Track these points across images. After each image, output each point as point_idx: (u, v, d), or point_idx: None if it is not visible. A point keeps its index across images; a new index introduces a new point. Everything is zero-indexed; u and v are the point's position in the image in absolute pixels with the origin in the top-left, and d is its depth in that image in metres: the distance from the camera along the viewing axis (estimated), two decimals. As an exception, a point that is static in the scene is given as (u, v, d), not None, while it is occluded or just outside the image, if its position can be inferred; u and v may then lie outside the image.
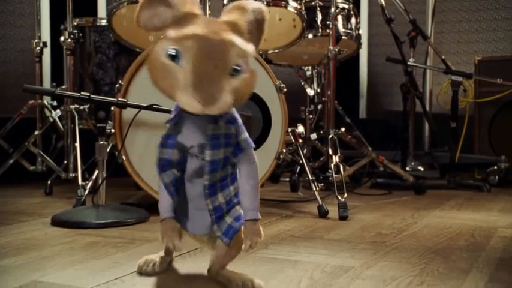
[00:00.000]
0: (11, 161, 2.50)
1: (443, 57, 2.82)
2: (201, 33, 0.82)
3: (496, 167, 2.73)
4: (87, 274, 1.15)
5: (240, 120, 0.96)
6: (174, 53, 0.82)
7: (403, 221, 1.80)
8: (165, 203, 0.98)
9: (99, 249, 1.38)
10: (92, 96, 1.73)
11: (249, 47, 0.87)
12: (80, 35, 2.44)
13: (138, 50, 2.30)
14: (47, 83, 3.30)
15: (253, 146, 0.97)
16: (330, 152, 2.14)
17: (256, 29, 0.92)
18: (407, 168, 2.81)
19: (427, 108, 3.22)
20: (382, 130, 3.64)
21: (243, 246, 0.97)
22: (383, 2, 2.68)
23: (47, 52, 3.17)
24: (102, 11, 3.51)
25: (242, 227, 0.98)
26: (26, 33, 3.40)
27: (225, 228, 0.97)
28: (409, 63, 2.66)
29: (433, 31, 3.29)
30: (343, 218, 1.81)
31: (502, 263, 1.26)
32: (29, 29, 3.34)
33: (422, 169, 2.91)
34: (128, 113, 1.82)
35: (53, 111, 2.62)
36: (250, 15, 0.91)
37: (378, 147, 2.89)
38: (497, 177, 2.72)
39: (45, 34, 3.33)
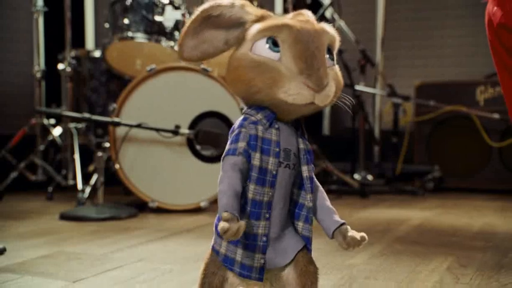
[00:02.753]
0: (17, 172, 2.91)
1: (388, 83, 3.33)
2: (292, 23, 0.73)
3: (431, 176, 3.22)
4: (97, 247, 1.59)
5: None
6: (272, 41, 0.73)
7: (340, 216, 2.25)
8: (229, 197, 0.72)
9: (102, 234, 1.81)
10: (92, 116, 2.18)
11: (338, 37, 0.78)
12: (77, 63, 2.88)
13: (127, 77, 2.75)
14: (42, 104, 3.73)
15: None
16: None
17: None
18: (358, 177, 3.28)
19: (378, 125, 3.71)
20: (342, 145, 4.12)
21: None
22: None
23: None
24: (90, 41, 3.96)
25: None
26: (22, 57, 3.84)
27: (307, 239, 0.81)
28: (356, 87, 3.14)
29: (383, 58, 3.78)
30: (293, 213, 2.26)
31: (399, 239, 1.73)
32: (25, 54, 3.78)
33: (371, 178, 3.38)
34: (120, 130, 2.27)
35: (51, 128, 3.05)
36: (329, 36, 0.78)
37: (337, 159, 3.37)
38: (432, 184, 3.21)
39: (40, 60, 3.77)
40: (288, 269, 0.79)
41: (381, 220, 2.14)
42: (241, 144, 0.76)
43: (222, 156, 0.76)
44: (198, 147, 2.30)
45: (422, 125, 3.36)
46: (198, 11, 0.78)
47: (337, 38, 0.77)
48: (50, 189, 2.79)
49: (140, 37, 2.54)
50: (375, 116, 3.69)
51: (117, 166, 2.27)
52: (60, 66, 2.91)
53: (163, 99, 2.30)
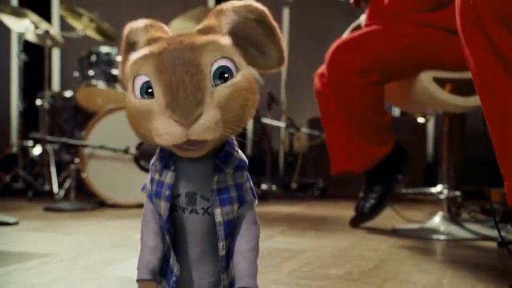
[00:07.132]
0: (4, 182, 3.85)
1: (289, 116, 4.45)
2: (154, 49, 0.62)
3: (317, 186, 4.34)
4: (75, 222, 2.60)
5: (247, 166, 0.76)
6: (145, 81, 0.63)
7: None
8: (145, 259, 0.73)
9: (76, 217, 2.81)
10: (68, 140, 3.18)
11: (227, 41, 0.65)
12: (53, 101, 3.88)
13: (90, 111, 3.75)
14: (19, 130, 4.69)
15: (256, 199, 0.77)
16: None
17: (256, 32, 0.68)
18: (264, 187, 4.36)
19: (282, 149, 4.82)
20: (261, 163, 5.21)
21: None
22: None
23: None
24: (56, 84, 5.00)
25: None
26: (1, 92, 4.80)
27: None
28: (262, 120, 4.24)
29: (286, 97, 4.89)
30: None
31: (267, 220, 2.80)
32: (3, 89, 4.75)
33: (275, 188, 4.46)
34: (87, 150, 3.28)
35: (30, 148, 4.01)
36: (232, 16, 0.67)
37: (253, 173, 4.43)
38: (318, 191, 4.32)
39: (15, 95, 4.75)
40: None
41: (264, 212, 3.22)
42: (148, 187, 0.74)
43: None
44: (142, 162, 3.33)
45: (312, 148, 4.49)
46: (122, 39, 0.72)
47: (228, 47, 0.64)
48: (30, 193, 3.74)
49: (101, 85, 3.55)
50: (280, 141, 4.81)
51: (84, 175, 3.28)
52: (39, 102, 3.89)
53: (118, 129, 3.31)
